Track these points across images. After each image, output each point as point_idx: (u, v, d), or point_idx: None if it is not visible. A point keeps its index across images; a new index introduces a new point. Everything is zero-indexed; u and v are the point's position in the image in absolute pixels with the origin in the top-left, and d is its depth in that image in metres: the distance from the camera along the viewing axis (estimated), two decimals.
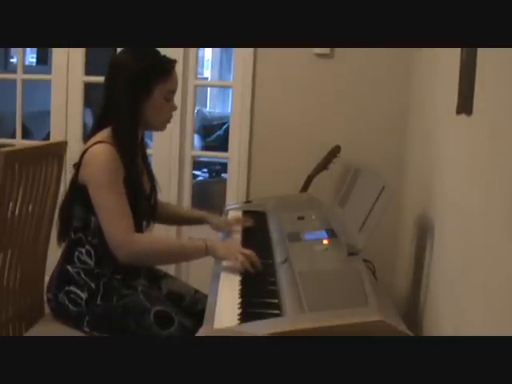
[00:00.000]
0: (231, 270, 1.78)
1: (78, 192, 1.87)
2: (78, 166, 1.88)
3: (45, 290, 2.05)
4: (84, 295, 1.87)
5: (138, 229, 1.92)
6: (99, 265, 1.90)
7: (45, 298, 2.06)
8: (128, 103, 1.87)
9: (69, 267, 1.91)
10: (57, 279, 1.94)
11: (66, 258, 1.94)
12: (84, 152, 1.87)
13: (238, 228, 2.25)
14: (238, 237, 2.16)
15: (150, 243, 1.88)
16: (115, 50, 3.18)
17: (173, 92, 1.96)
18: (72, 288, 1.89)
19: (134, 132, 1.93)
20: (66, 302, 1.88)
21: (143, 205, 1.98)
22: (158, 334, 1.85)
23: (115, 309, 1.87)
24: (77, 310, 1.87)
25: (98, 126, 1.93)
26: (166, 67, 1.92)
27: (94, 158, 1.83)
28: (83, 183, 1.85)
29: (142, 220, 1.99)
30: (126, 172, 1.86)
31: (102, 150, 1.83)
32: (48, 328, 1.93)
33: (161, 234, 2.30)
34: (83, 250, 1.91)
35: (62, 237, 1.98)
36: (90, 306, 1.87)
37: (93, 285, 1.88)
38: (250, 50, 2.98)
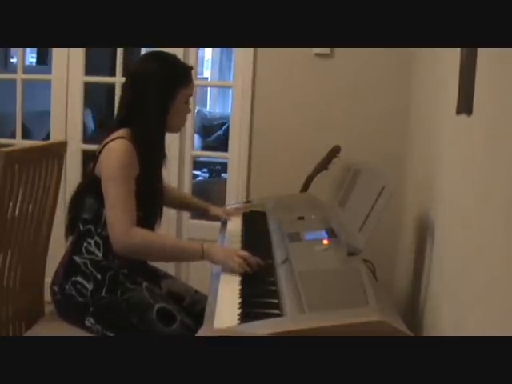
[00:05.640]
0: (230, 271, 1.78)
1: (93, 184, 1.91)
2: (95, 160, 1.92)
3: (45, 289, 2.06)
4: (90, 286, 1.90)
5: (148, 227, 1.95)
6: (107, 257, 1.93)
7: (48, 292, 2.04)
8: (158, 107, 1.97)
9: (76, 258, 1.94)
10: (64, 270, 1.96)
11: (74, 248, 1.96)
12: (103, 146, 1.91)
13: (237, 217, 2.40)
14: (237, 238, 2.16)
15: (148, 239, 1.89)
16: (115, 50, 3.22)
17: (191, 95, 2.08)
18: (79, 279, 1.91)
19: (161, 134, 2.02)
20: (73, 293, 1.91)
21: (155, 204, 2.03)
22: (159, 330, 1.87)
23: (119, 302, 1.90)
24: (82, 301, 1.90)
25: (117, 126, 1.97)
26: (188, 73, 2.04)
27: (112, 152, 1.89)
28: (99, 175, 1.89)
29: (153, 218, 2.03)
30: (142, 170, 1.91)
31: (120, 145, 1.89)
32: (48, 328, 1.93)
33: (161, 231, 2.29)
34: (92, 242, 1.93)
35: (70, 228, 2.00)
36: (95, 298, 1.89)
37: (99, 276, 1.91)
38: (250, 50, 2.98)
